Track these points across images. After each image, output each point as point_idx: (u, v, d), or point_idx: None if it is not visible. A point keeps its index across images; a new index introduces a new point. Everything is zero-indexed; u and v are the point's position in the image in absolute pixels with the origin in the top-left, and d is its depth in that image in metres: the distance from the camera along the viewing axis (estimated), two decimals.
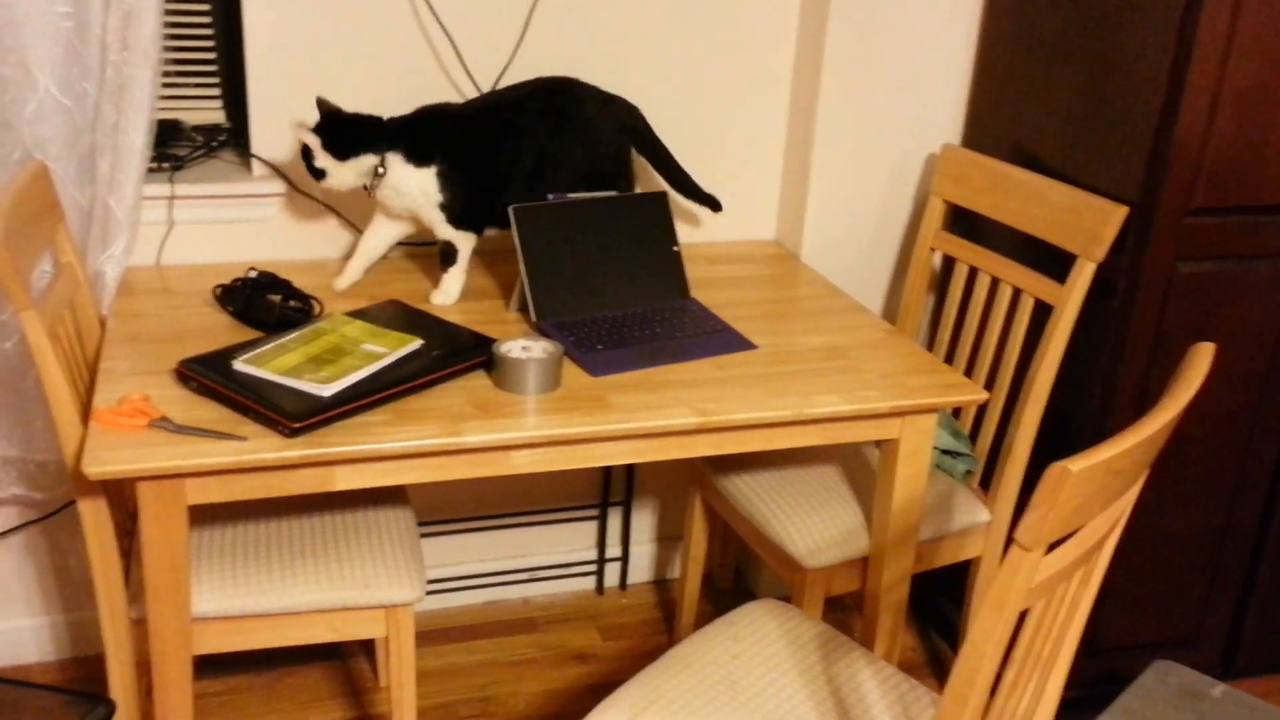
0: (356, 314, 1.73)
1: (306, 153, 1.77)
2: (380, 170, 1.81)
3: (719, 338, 1.83)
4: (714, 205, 2.08)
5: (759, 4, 2.17)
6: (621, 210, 1.92)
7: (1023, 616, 1.16)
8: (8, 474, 1.92)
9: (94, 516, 1.55)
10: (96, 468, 1.34)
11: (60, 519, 2.06)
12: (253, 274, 1.80)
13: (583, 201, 1.89)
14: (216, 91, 2.05)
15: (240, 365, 1.53)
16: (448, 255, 1.88)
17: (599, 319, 1.85)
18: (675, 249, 1.97)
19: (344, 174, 1.80)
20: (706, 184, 2.26)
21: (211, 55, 1.96)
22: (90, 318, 1.75)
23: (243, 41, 1.92)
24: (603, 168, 1.94)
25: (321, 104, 1.82)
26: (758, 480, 1.97)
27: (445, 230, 1.87)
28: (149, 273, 1.95)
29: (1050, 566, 1.11)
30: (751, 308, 1.99)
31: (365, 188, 1.83)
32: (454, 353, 1.65)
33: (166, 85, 1.99)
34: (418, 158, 1.82)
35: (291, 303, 1.75)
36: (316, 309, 1.78)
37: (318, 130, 1.77)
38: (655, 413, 1.58)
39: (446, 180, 1.84)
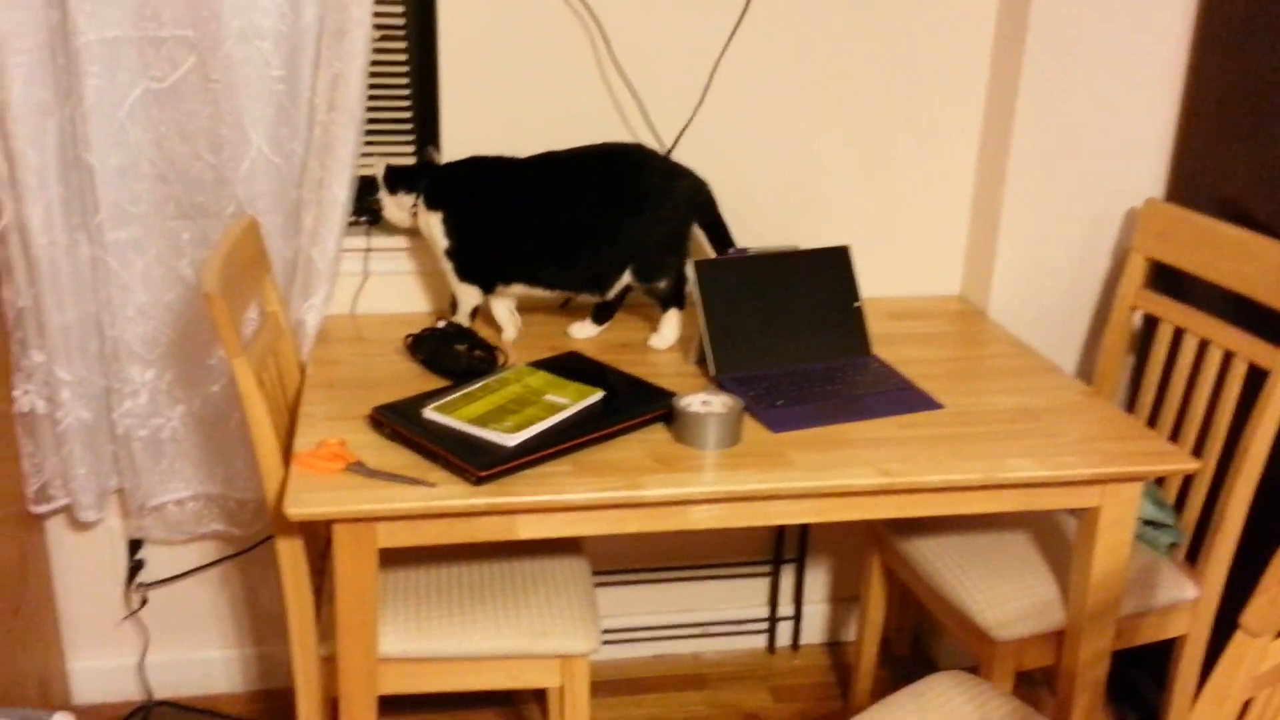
0: (539, 364, 1.76)
1: (374, 187, 1.92)
2: (414, 209, 1.90)
3: (902, 396, 1.78)
4: None
5: (948, 52, 2.12)
6: (803, 264, 1.90)
7: (1245, 706, 1.06)
8: (209, 510, 2.03)
9: (290, 555, 1.61)
10: (297, 509, 1.40)
11: (254, 555, 2.15)
12: (441, 324, 1.85)
13: (763, 256, 1.88)
14: (411, 147, 2.13)
15: (430, 413, 1.57)
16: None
17: (779, 374, 1.82)
18: (857, 304, 1.93)
19: (390, 207, 1.92)
20: (886, 235, 2.22)
21: (408, 114, 2.05)
22: (291, 363, 1.83)
23: (437, 100, 1.99)
24: (655, 240, 1.88)
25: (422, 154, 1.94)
26: (942, 544, 1.89)
27: (451, 279, 1.92)
28: (345, 321, 2.03)
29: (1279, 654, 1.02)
30: (936, 365, 1.92)
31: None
32: (634, 405, 1.65)
33: (365, 141, 2.08)
34: (431, 200, 1.89)
35: (477, 352, 1.79)
36: (501, 359, 1.82)
37: (388, 169, 1.91)
38: (837, 471, 1.54)
39: (452, 228, 1.88)
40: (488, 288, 1.92)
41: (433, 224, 1.89)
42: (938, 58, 2.13)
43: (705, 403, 1.64)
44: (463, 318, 1.94)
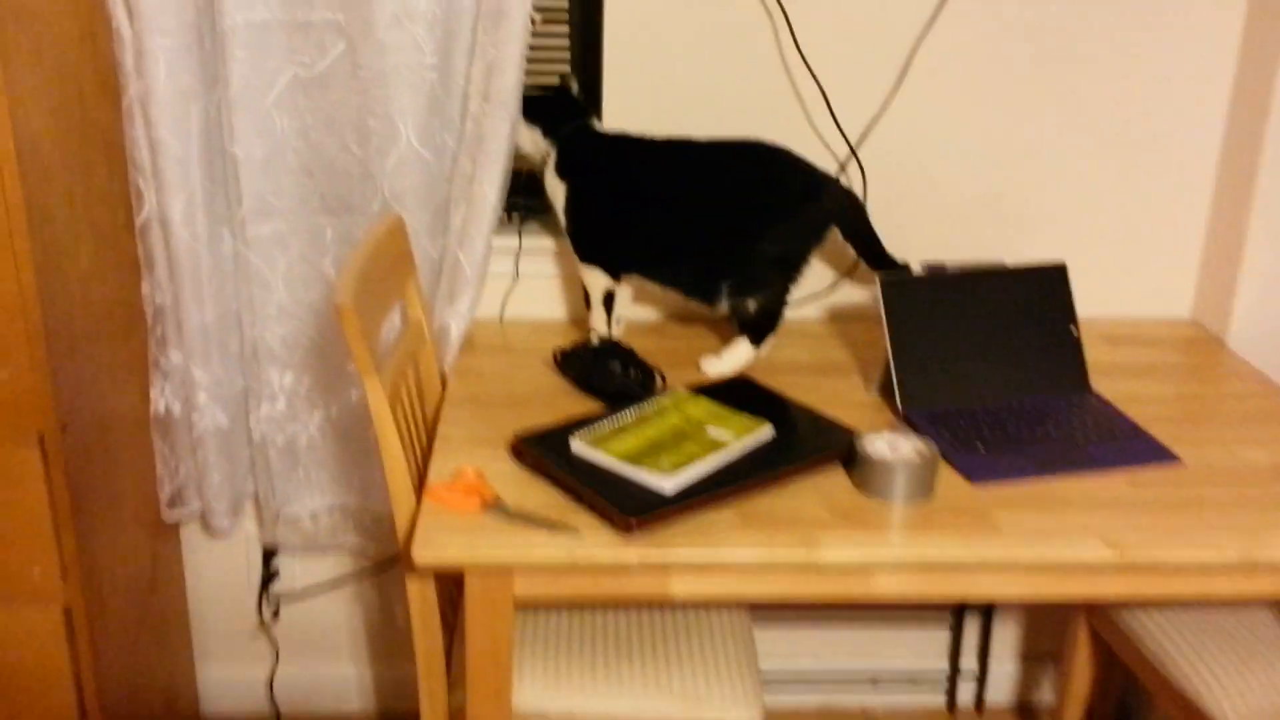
0: (702, 390, 1.56)
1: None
2: (545, 155, 1.74)
3: (1130, 445, 1.50)
4: None
5: (1187, 30, 1.81)
6: (1009, 284, 1.64)
7: None
8: (345, 523, 1.91)
9: (421, 598, 1.46)
10: (427, 555, 1.24)
11: (389, 570, 2.04)
12: (594, 338, 1.67)
13: (962, 273, 1.63)
14: None
15: (577, 446, 1.39)
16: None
17: (978, 412, 1.57)
18: (1074, 332, 1.65)
19: (523, 134, 1.74)
20: (1101, 244, 1.92)
21: None
22: (432, 374, 1.69)
23: (600, 89, 1.81)
24: (769, 254, 1.64)
25: (563, 78, 1.77)
26: (1170, 619, 1.60)
27: (577, 265, 1.75)
28: (492, 328, 1.88)
29: None
30: (1167, 405, 1.63)
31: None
32: (809, 445, 1.43)
33: None
34: (561, 167, 1.71)
35: (631, 372, 1.61)
36: (659, 382, 1.63)
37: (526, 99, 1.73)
38: (1055, 540, 1.29)
39: (574, 204, 1.71)
40: (614, 272, 1.74)
41: (558, 194, 1.73)
42: (1174, 37, 1.81)
43: (893, 445, 1.41)
44: (596, 306, 1.77)
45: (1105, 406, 1.60)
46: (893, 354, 1.58)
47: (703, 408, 1.50)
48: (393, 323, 1.77)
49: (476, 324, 1.84)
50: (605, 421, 1.45)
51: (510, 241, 1.87)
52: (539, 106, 1.73)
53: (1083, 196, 1.90)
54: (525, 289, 1.92)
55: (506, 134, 1.66)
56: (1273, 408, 1.63)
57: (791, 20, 1.76)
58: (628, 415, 1.47)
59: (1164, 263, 1.95)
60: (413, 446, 1.53)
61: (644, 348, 1.76)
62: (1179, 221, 1.92)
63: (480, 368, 1.72)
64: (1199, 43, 1.82)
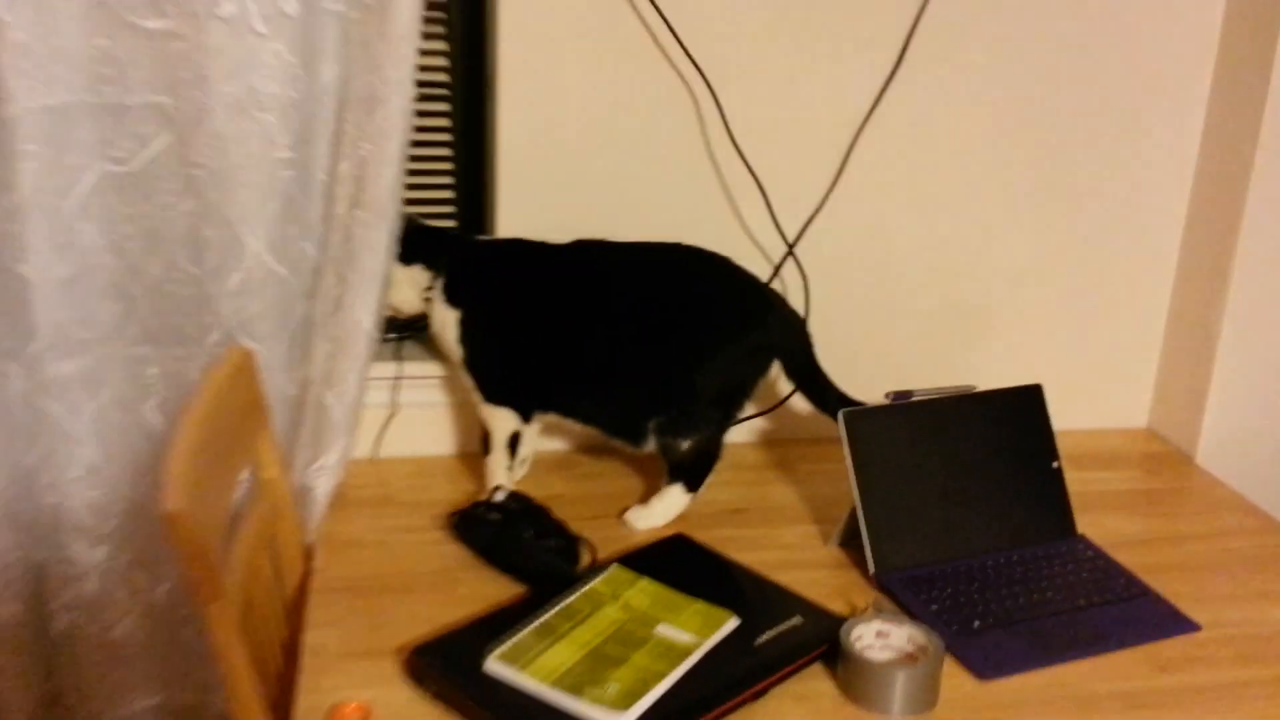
0: (636, 561, 1.26)
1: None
2: (428, 294, 1.43)
3: (1138, 608, 1.28)
4: None
5: (1149, 121, 1.64)
6: (983, 411, 1.41)
7: None
8: None
9: None
10: None
11: None
12: (499, 495, 1.36)
13: (932, 401, 1.39)
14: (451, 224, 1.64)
15: (494, 665, 1.07)
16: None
17: (962, 570, 1.33)
18: (1055, 464, 1.43)
19: (401, 285, 1.43)
20: (1056, 354, 1.73)
21: (447, 190, 1.57)
22: (293, 550, 1.34)
23: (492, 176, 1.51)
24: (708, 388, 1.39)
25: (409, 219, 1.44)
26: None
27: (475, 400, 1.46)
28: (365, 470, 1.54)
29: None
30: (1158, 550, 1.43)
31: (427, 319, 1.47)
32: (785, 642, 1.15)
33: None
34: (450, 292, 1.42)
35: (549, 541, 1.30)
36: (583, 554, 1.32)
37: (408, 225, 1.43)
38: None
39: (470, 333, 1.42)
40: (523, 411, 1.44)
41: (448, 324, 1.42)
42: (1135, 138, 1.64)
43: (884, 637, 1.15)
44: (497, 450, 1.45)
45: (1098, 556, 1.38)
46: (860, 502, 1.32)
47: (646, 594, 1.20)
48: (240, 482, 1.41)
49: (349, 464, 1.50)
50: (525, 627, 1.13)
51: (386, 368, 1.54)
52: (422, 240, 1.43)
53: (1036, 303, 1.70)
54: (405, 420, 1.59)
55: (384, 245, 1.34)
56: (1277, 548, 1.44)
57: (721, 102, 1.50)
58: (552, 611, 1.16)
59: (1120, 371, 1.77)
60: (272, 664, 1.18)
61: (555, 494, 1.46)
62: (1137, 329, 1.75)
63: (355, 534, 1.38)
64: (1161, 142, 1.65)
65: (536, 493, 1.45)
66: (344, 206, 1.33)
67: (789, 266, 1.59)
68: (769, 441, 1.68)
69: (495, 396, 1.42)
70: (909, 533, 1.34)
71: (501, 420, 1.43)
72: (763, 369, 1.41)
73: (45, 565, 1.43)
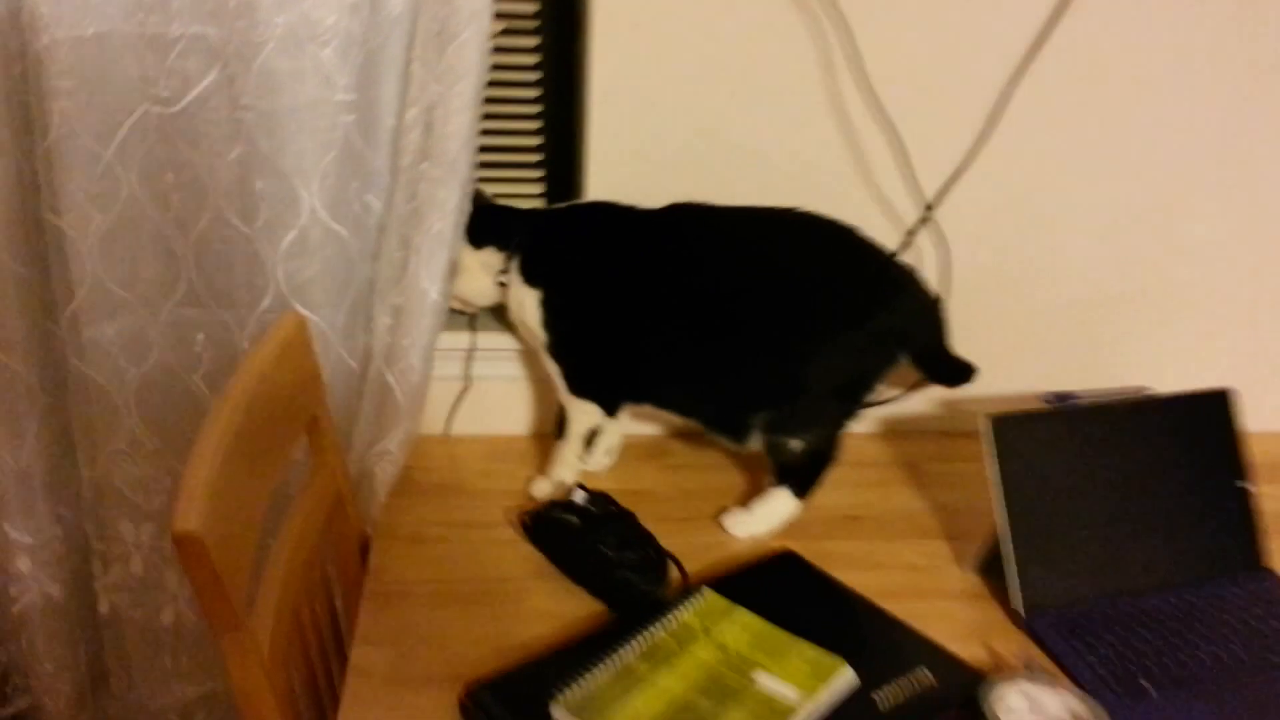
0: (733, 586, 1.08)
1: None
2: (503, 277, 1.24)
3: None
4: None
5: None
6: (1158, 419, 1.17)
7: None
8: (228, 719, 1.41)
9: None
10: None
11: None
12: (577, 496, 1.18)
13: (1098, 407, 1.16)
14: (539, 188, 1.46)
15: (562, 717, 0.90)
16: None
17: (1126, 612, 1.11)
18: (1245, 484, 1.19)
19: (473, 272, 1.25)
20: (1227, 340, 1.47)
21: (534, 139, 1.38)
22: (349, 543, 1.19)
23: (583, 126, 1.32)
24: (831, 377, 1.17)
25: (477, 195, 1.24)
26: None
27: (558, 389, 1.26)
28: (434, 450, 1.38)
29: None
30: None
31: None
32: (912, 702, 0.95)
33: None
34: (528, 270, 1.23)
35: (628, 555, 1.11)
36: (671, 575, 1.14)
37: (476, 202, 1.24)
38: None
39: (556, 315, 1.21)
40: (610, 407, 1.25)
41: (527, 306, 1.23)
42: None
43: (1030, 701, 0.94)
44: (572, 440, 1.28)
45: None
46: (1007, 525, 1.11)
47: (744, 630, 1.02)
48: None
49: (411, 448, 1.34)
50: (599, 668, 0.96)
51: (459, 339, 1.37)
52: (490, 219, 1.25)
53: (1225, 288, 1.43)
54: (478, 395, 1.43)
55: (455, 204, 1.16)
56: None
57: (857, 39, 1.26)
58: (633, 652, 0.98)
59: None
60: (321, 680, 1.04)
61: (643, 489, 1.29)
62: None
63: (416, 528, 1.23)
64: None
65: (622, 485, 1.29)
66: (409, 159, 1.15)
67: (925, 234, 1.37)
68: (892, 433, 1.47)
69: (582, 388, 1.24)
70: (1065, 564, 1.12)
71: (584, 413, 1.25)
72: (890, 359, 1.20)
73: (89, 542, 1.31)
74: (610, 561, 1.10)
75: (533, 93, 1.31)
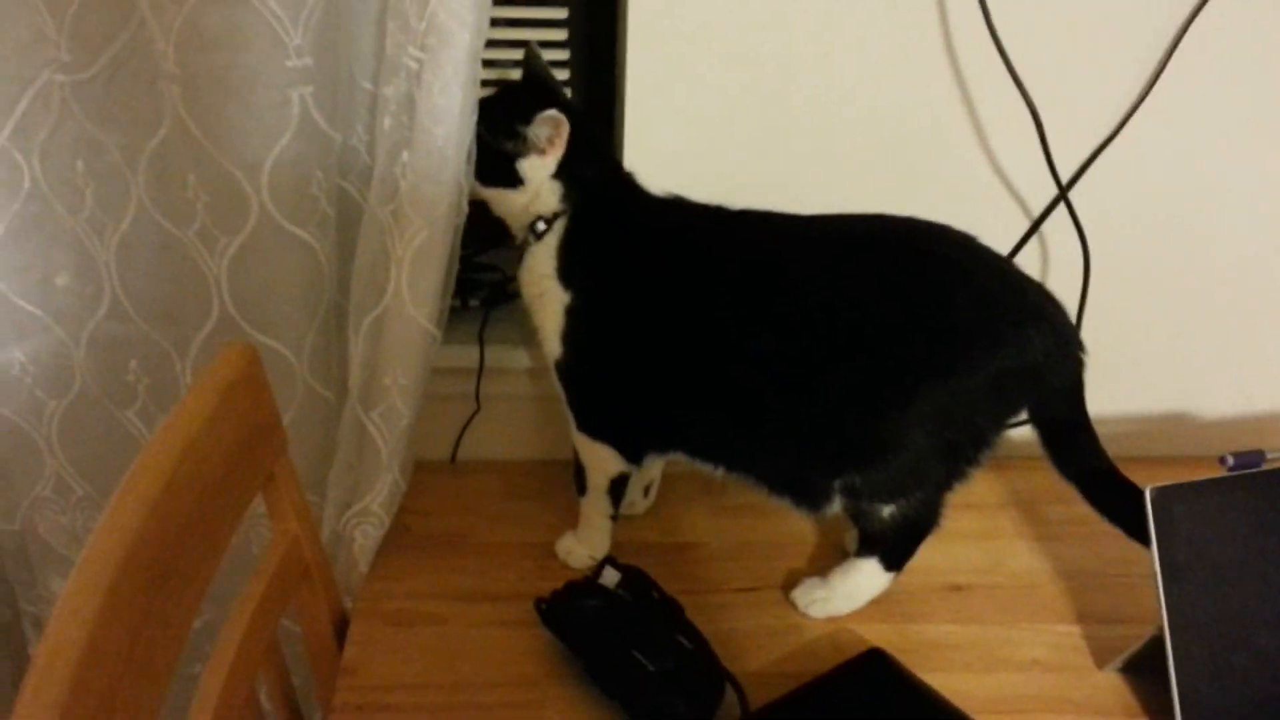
0: (800, 709, 0.82)
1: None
2: (541, 231, 0.93)
3: None
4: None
5: None
6: None
7: None
8: None
9: None
10: None
11: None
12: (606, 574, 0.92)
13: None
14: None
15: None
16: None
17: None
18: None
19: (524, 192, 0.92)
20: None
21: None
22: (321, 626, 0.95)
23: (620, 117, 1.03)
24: (942, 428, 0.89)
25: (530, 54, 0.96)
26: None
27: (571, 428, 0.98)
28: (438, 483, 1.14)
29: None
30: None
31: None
32: None
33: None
34: (570, 263, 0.92)
35: (667, 660, 0.85)
36: (723, 692, 0.87)
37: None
38: None
39: (582, 328, 0.92)
40: (633, 453, 0.98)
41: (550, 306, 0.94)
42: None
43: None
44: (595, 498, 1.01)
45: None
46: (1169, 624, 0.84)
47: None
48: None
49: (417, 467, 1.08)
50: None
51: (465, 354, 1.10)
52: (532, 100, 0.90)
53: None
54: (492, 417, 1.17)
55: (445, 210, 0.88)
56: None
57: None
58: None
59: None
60: None
61: (690, 542, 1.04)
62: None
63: (408, 600, 0.98)
64: None
65: (664, 535, 1.05)
66: (385, 148, 0.87)
67: (1056, 223, 1.07)
68: (1002, 462, 1.19)
69: (598, 426, 0.97)
70: (1247, 675, 0.86)
71: (599, 459, 0.98)
72: (1011, 408, 0.92)
73: (17, 604, 1.08)
74: (648, 676, 0.85)
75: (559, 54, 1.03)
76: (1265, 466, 0.88)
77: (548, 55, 0.98)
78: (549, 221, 0.92)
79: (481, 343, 1.11)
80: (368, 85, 0.91)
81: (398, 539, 1.06)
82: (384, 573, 1.02)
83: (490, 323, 1.12)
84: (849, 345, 0.87)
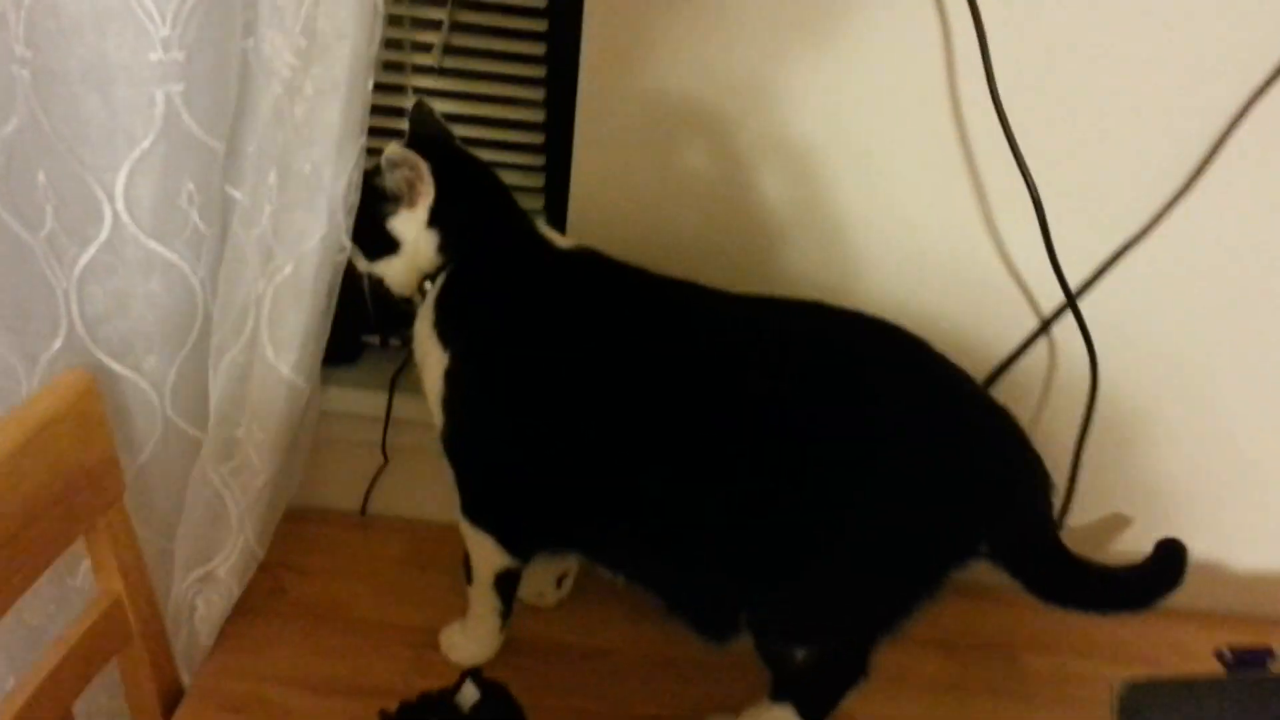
0: None
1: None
2: (425, 287, 0.80)
3: None
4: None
5: None
6: None
7: None
8: None
9: None
10: None
11: None
12: (466, 693, 0.78)
13: None
14: (539, 178, 1.04)
15: None
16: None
17: None
18: None
19: (413, 248, 0.80)
20: None
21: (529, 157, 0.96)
22: (149, 712, 0.82)
23: (571, 124, 0.89)
24: (868, 561, 0.73)
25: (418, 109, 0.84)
26: None
27: (457, 514, 0.83)
28: (339, 537, 1.01)
29: None
30: None
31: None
32: None
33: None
34: (444, 319, 0.79)
35: None
36: None
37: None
38: None
39: (463, 394, 0.78)
40: (517, 547, 0.84)
41: (428, 364, 0.81)
42: None
43: None
44: (482, 592, 0.87)
45: None
46: None
47: None
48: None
49: (319, 517, 0.95)
50: None
51: (373, 400, 0.98)
52: (456, 185, 0.80)
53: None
54: (402, 470, 1.04)
55: (317, 244, 0.75)
56: None
57: (990, 43, 0.81)
58: None
59: None
60: None
61: (596, 651, 0.90)
62: None
63: (253, 685, 0.85)
64: None
65: (576, 636, 0.91)
66: (254, 166, 0.74)
67: (1062, 333, 0.92)
68: (965, 593, 1.03)
69: (480, 512, 0.83)
70: None
71: (481, 548, 0.84)
72: (963, 550, 0.76)
73: None
74: None
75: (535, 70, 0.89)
76: (1273, 668, 0.71)
77: (522, 70, 0.85)
78: (433, 278, 0.79)
79: (392, 389, 0.97)
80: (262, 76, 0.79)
81: (267, 602, 0.93)
82: (236, 643, 0.89)
83: (410, 367, 1.00)
84: (769, 455, 0.72)
